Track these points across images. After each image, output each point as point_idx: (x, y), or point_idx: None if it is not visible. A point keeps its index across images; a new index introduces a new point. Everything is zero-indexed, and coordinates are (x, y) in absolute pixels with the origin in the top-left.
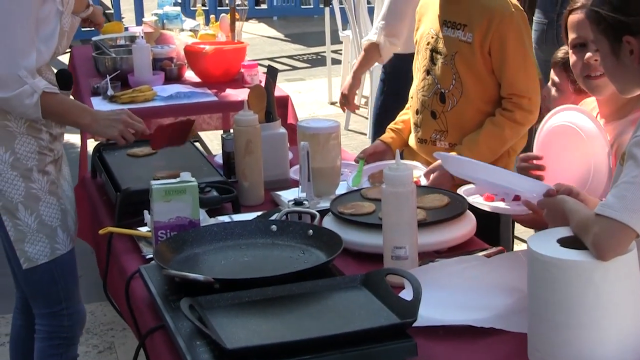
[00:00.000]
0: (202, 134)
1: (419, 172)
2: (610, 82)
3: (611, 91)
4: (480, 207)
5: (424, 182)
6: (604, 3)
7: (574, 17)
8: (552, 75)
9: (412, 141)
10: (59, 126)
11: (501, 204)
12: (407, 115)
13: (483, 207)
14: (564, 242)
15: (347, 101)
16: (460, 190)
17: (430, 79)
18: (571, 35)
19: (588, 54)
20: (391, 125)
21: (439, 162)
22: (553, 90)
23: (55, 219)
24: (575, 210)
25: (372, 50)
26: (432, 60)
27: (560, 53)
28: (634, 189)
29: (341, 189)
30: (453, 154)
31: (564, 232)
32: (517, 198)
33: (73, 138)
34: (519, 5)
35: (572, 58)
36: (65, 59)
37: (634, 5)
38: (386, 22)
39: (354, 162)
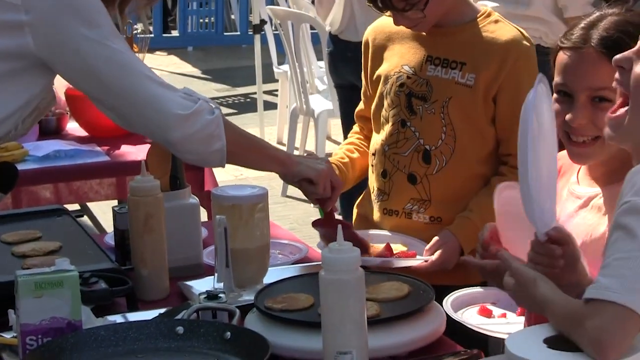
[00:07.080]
0: (90, 205)
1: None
2: (596, 152)
3: (596, 160)
4: (476, 330)
5: (419, 258)
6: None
7: (562, 58)
8: None
9: (374, 212)
10: None
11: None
12: (354, 153)
13: (479, 330)
14: (553, 343)
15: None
16: (447, 302)
17: (407, 132)
18: (556, 78)
19: (569, 116)
20: (336, 158)
21: (442, 234)
22: None
23: None
24: (551, 300)
25: None
26: (411, 109)
27: None
28: (634, 265)
29: (271, 277)
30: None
31: (547, 329)
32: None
33: None
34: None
35: (555, 106)
36: None
37: None
38: None
39: (287, 242)
